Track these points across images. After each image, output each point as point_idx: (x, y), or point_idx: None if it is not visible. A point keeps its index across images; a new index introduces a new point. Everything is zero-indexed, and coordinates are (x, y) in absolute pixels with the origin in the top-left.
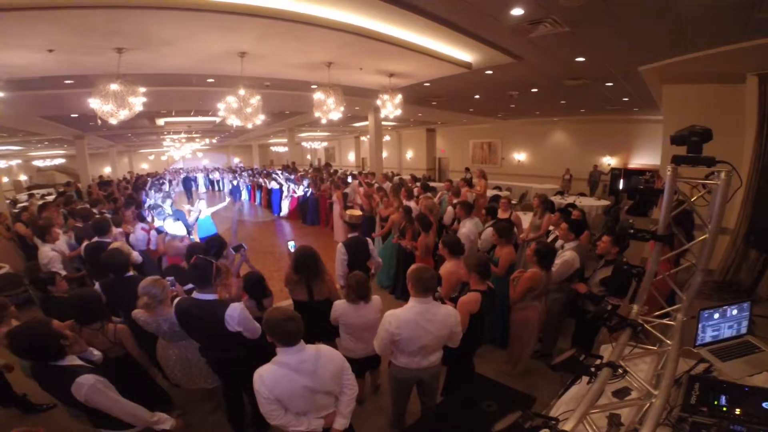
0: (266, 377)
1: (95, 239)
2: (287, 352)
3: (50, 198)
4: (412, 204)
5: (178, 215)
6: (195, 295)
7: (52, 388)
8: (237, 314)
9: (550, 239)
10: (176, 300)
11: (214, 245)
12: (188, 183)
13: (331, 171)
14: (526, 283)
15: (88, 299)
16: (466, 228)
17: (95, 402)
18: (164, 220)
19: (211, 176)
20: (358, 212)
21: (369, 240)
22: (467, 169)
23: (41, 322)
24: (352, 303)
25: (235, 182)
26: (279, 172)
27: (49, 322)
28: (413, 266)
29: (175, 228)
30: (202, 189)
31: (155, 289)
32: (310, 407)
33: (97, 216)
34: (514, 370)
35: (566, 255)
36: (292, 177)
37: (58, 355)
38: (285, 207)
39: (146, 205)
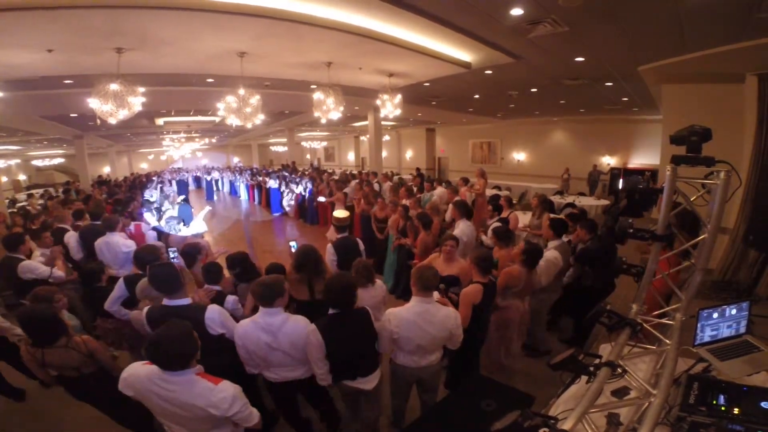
0: (240, 330)
1: (6, 254)
2: (261, 313)
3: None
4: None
5: (183, 213)
6: (166, 301)
7: None
8: (217, 316)
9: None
10: (146, 309)
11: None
12: (184, 188)
13: (330, 172)
14: (501, 279)
15: (45, 316)
16: (459, 229)
17: None
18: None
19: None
20: (344, 213)
21: (359, 240)
22: (418, 170)
23: None
24: (363, 287)
25: (208, 177)
26: (285, 174)
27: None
28: (417, 265)
29: (196, 226)
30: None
31: (154, 291)
32: (271, 361)
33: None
34: (496, 367)
35: (548, 254)
36: (292, 176)
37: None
38: (286, 205)
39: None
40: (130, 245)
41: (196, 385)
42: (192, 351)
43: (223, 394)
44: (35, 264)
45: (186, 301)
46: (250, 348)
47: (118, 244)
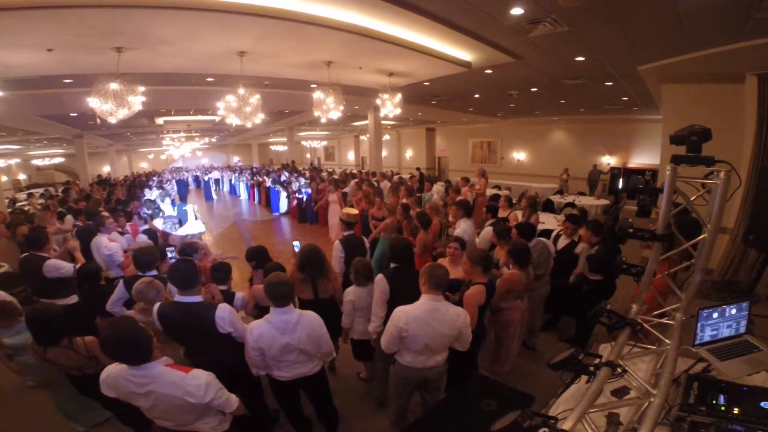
0: (254, 330)
1: (28, 253)
2: (275, 312)
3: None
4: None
5: (181, 215)
6: (178, 298)
7: None
8: (227, 315)
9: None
10: (157, 305)
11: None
12: (183, 187)
13: (329, 171)
14: (502, 285)
15: (47, 317)
16: (461, 228)
17: None
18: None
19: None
20: (354, 211)
21: (364, 238)
22: (418, 169)
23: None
24: (362, 286)
25: (206, 177)
26: (286, 174)
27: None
28: (428, 264)
29: (195, 226)
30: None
31: (151, 292)
32: (285, 360)
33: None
34: (501, 369)
35: None
36: (292, 177)
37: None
38: (284, 205)
39: (144, 200)
40: (112, 248)
41: (166, 375)
42: (145, 341)
43: (197, 381)
44: (61, 262)
45: (198, 298)
46: (265, 348)
47: (100, 245)
